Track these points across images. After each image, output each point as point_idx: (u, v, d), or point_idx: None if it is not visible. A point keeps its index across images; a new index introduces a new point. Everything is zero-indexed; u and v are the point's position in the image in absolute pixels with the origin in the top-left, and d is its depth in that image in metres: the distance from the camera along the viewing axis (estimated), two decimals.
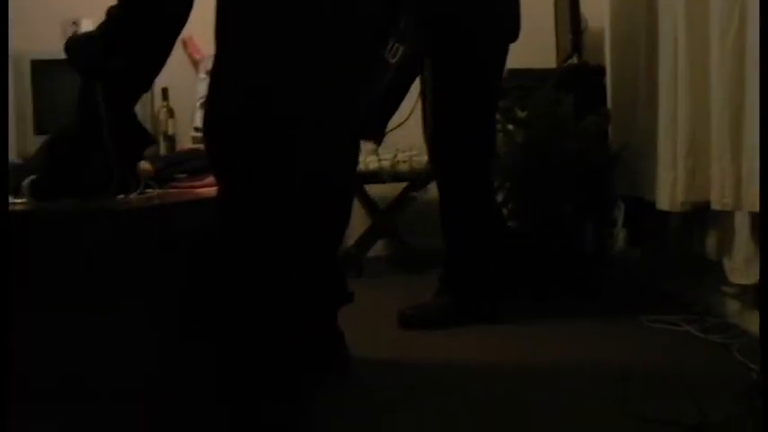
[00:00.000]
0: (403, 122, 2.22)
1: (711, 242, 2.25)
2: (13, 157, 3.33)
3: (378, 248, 3.67)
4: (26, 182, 1.80)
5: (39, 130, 3.26)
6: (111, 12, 1.72)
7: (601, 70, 3.14)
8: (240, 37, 1.52)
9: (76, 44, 1.81)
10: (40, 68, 3.27)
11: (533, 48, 3.65)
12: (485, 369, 1.96)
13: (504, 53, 2.42)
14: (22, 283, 1.73)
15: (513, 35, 2.41)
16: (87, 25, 3.38)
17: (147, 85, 1.83)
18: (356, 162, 1.90)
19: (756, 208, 1.87)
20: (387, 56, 1.82)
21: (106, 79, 1.71)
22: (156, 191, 2.02)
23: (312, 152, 1.54)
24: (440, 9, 2.23)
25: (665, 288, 2.67)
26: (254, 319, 1.51)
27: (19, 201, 1.88)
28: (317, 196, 1.55)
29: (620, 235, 3.16)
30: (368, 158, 3.31)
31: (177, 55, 1.82)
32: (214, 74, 1.57)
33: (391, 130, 2.03)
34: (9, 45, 3.31)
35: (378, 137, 1.99)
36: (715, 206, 2.03)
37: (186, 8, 1.69)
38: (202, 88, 3.41)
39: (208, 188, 2.07)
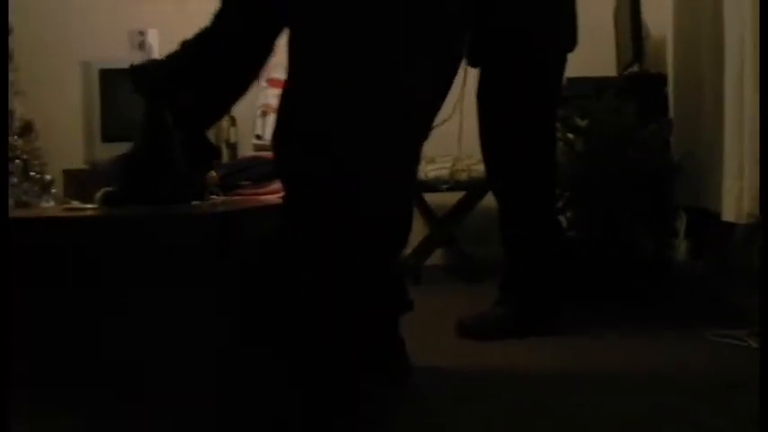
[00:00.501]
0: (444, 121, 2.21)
1: None
2: (80, 163, 3.43)
3: (436, 257, 3.68)
4: (99, 193, 1.86)
5: (105, 137, 3.35)
6: (186, 45, 1.75)
7: (662, 78, 3.11)
8: (314, 64, 1.54)
9: (143, 70, 1.85)
10: (108, 77, 3.36)
11: (593, 56, 3.63)
12: (540, 379, 1.95)
13: (562, 63, 2.40)
14: (93, 284, 1.79)
15: (571, 45, 2.39)
16: (153, 35, 3.47)
17: (218, 118, 1.87)
18: (416, 176, 1.89)
19: None
20: None
21: (176, 110, 1.75)
22: (221, 198, 2.06)
23: (376, 187, 1.55)
24: (498, 24, 2.23)
25: (729, 301, 2.61)
26: (318, 325, 1.53)
27: (90, 206, 1.94)
28: (380, 212, 1.57)
29: (682, 246, 3.12)
30: (427, 167, 3.32)
31: None
32: (287, 90, 1.60)
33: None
34: (79, 55, 3.44)
35: None
36: None
37: (266, 54, 1.72)
38: (263, 96, 3.46)
39: (271, 195, 2.11)
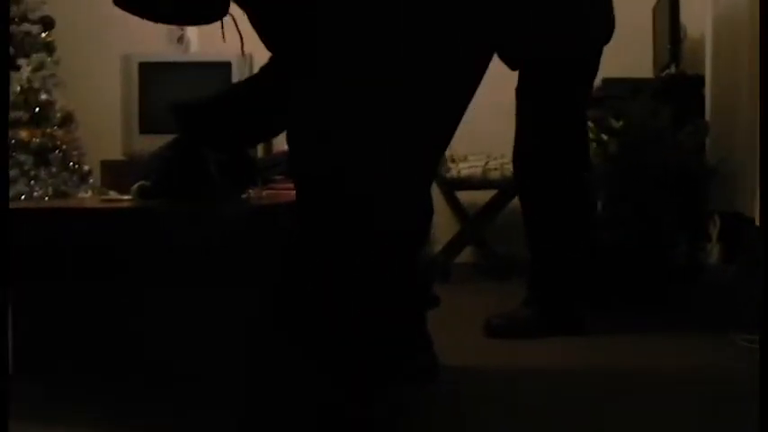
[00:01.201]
0: None
1: None
2: (118, 154, 3.49)
3: (466, 255, 3.69)
4: (135, 186, 1.90)
5: (143, 129, 3.41)
6: (237, 88, 1.79)
7: (699, 80, 3.07)
8: (330, 64, 1.56)
9: (187, 110, 1.89)
10: (147, 71, 3.42)
11: (630, 57, 3.61)
12: (567, 380, 1.95)
13: (596, 56, 2.37)
14: (124, 276, 1.83)
15: (605, 37, 2.36)
16: (192, 31, 3.51)
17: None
18: (435, 172, 1.89)
19: None
20: None
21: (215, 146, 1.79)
22: (255, 191, 2.09)
23: (391, 188, 1.56)
24: (533, 27, 2.23)
25: (760, 306, 2.59)
26: (337, 323, 1.56)
27: (126, 198, 1.99)
28: (394, 213, 1.58)
29: (715, 250, 3.09)
30: (459, 165, 3.33)
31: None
32: (300, 88, 1.62)
33: None
34: (119, 48, 3.49)
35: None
36: None
37: None
38: None
39: None
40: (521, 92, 2.38)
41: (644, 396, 1.82)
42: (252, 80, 1.82)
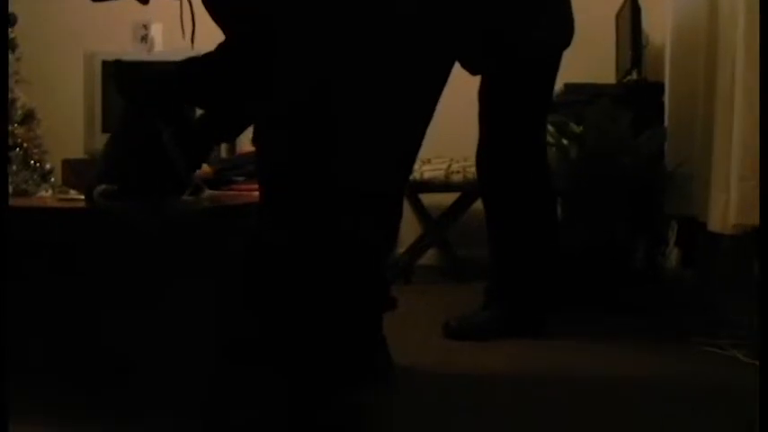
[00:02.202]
0: None
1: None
2: (81, 153, 3.46)
3: (429, 257, 3.70)
4: (99, 190, 1.89)
5: (106, 128, 3.37)
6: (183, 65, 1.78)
7: (660, 87, 3.12)
8: (299, 63, 1.57)
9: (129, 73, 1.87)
10: (111, 69, 3.38)
11: (593, 62, 3.66)
12: (523, 382, 1.97)
13: (555, 60, 2.40)
14: (82, 275, 1.83)
15: (565, 42, 2.40)
16: (157, 29, 3.49)
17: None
18: (407, 177, 1.91)
19: None
20: None
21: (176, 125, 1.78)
22: (210, 193, 2.09)
23: (357, 158, 1.57)
24: (495, 32, 2.25)
25: (717, 310, 2.64)
26: (298, 321, 1.56)
27: (81, 197, 1.98)
28: (361, 200, 1.59)
29: (674, 255, 3.14)
30: (422, 167, 3.35)
31: None
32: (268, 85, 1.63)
33: None
34: (82, 45, 3.45)
35: None
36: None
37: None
38: None
39: None
40: (483, 95, 2.41)
41: (598, 399, 1.84)
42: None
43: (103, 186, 1.86)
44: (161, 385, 1.76)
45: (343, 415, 1.60)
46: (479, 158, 2.43)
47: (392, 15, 1.55)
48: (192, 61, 1.80)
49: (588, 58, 3.66)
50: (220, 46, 1.77)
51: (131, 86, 1.84)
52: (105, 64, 3.37)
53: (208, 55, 1.78)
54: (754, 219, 2.10)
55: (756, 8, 2.03)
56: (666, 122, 2.94)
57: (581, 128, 2.93)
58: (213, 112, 1.82)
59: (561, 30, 2.38)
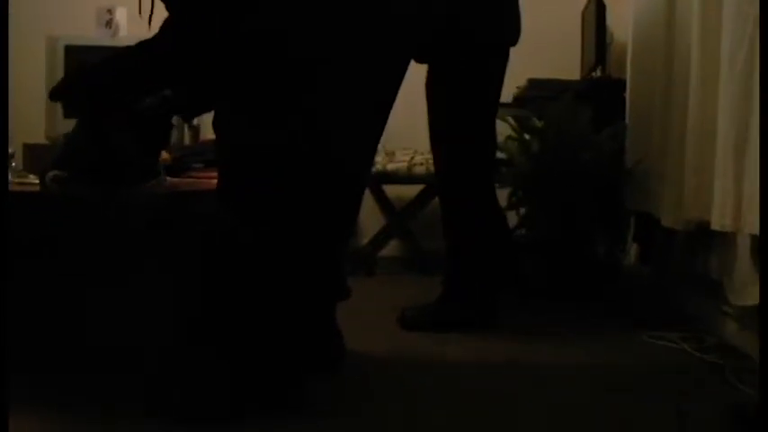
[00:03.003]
0: None
1: (714, 262, 2.26)
2: (42, 138, 3.43)
3: (393, 249, 3.72)
4: (49, 175, 1.89)
5: (67, 113, 3.33)
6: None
7: (623, 84, 3.15)
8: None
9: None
10: (73, 54, 3.35)
11: (558, 58, 3.69)
12: (476, 371, 2.00)
13: (503, 57, 2.42)
14: (36, 259, 1.82)
15: (512, 39, 2.42)
16: (122, 14, 3.46)
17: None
18: (372, 152, 1.89)
19: (756, 231, 1.89)
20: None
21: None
22: (170, 180, 2.08)
23: (318, 141, 1.59)
24: (442, 21, 2.26)
25: (671, 304, 2.68)
26: (250, 305, 1.57)
27: (36, 182, 1.97)
28: (326, 174, 1.61)
29: (633, 250, 3.18)
30: (384, 159, 3.36)
31: None
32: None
33: None
34: (45, 29, 3.41)
35: None
36: (715, 226, 2.04)
37: None
38: None
39: None
40: (429, 86, 2.42)
41: (547, 389, 1.87)
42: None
43: (55, 172, 1.85)
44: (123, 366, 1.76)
45: (287, 398, 1.61)
46: (432, 148, 2.46)
47: None
48: (137, 48, 1.79)
49: (554, 55, 3.70)
50: (162, 29, 1.76)
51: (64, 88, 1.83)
52: (68, 48, 3.33)
53: (151, 40, 1.77)
54: (704, 214, 2.14)
55: (709, 10, 2.06)
56: (627, 119, 2.97)
57: (542, 122, 2.95)
58: (163, 98, 1.82)
59: (510, 26, 2.41)
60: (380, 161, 3.33)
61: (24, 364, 1.70)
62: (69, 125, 3.09)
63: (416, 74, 2.37)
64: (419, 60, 2.39)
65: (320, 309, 1.85)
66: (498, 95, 2.44)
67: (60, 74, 3.34)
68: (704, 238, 2.30)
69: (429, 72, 2.43)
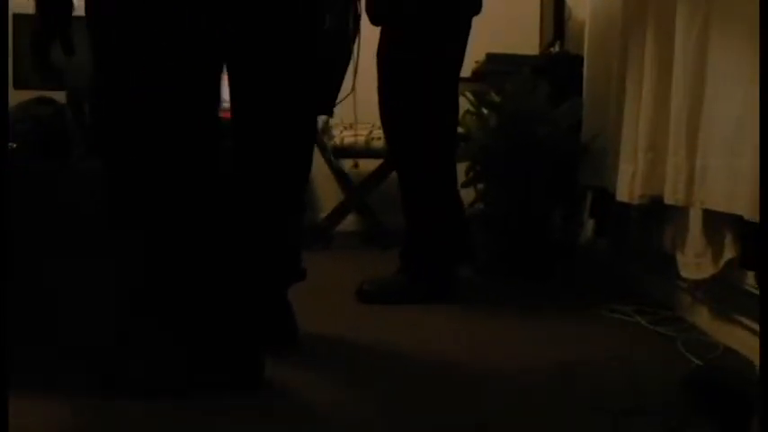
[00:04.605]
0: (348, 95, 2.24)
1: (667, 236, 2.29)
2: None
3: (351, 224, 3.71)
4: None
5: (18, 84, 3.26)
6: None
7: (581, 60, 3.16)
8: None
9: None
10: (21, 23, 3.27)
11: (517, 33, 3.70)
12: (433, 346, 2.00)
13: (465, 27, 2.40)
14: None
15: (475, 8, 2.40)
16: None
17: None
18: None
19: (705, 205, 1.91)
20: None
21: None
22: None
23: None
24: None
25: (627, 279, 2.71)
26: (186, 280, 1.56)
27: None
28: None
29: (589, 225, 3.21)
30: (343, 133, 3.34)
31: None
32: None
33: (341, 101, 2.07)
34: None
35: (328, 109, 2.00)
36: (668, 201, 2.07)
37: None
38: None
39: None
40: (381, 54, 2.39)
41: (504, 364, 1.87)
42: None
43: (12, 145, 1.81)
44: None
45: (234, 373, 1.60)
46: (383, 120, 2.42)
47: None
48: None
49: (512, 30, 3.70)
50: None
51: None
52: (16, 17, 3.25)
53: None
54: (657, 189, 2.16)
55: None
56: (584, 95, 2.99)
57: (500, 97, 2.96)
58: None
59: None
60: (338, 135, 3.31)
61: None
62: (21, 97, 3.03)
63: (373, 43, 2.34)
64: (374, 22, 2.35)
65: (273, 284, 1.84)
66: (459, 67, 2.42)
67: (8, 44, 3.25)
68: (658, 212, 2.33)
69: (382, 38, 2.39)
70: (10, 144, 1.94)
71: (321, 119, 3.34)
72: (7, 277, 1.49)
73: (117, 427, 1.44)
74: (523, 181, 2.83)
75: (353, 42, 2.02)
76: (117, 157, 1.58)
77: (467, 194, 2.71)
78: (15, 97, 3.18)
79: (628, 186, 2.29)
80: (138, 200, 1.57)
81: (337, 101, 2.00)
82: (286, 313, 1.84)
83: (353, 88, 2.22)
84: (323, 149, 3.40)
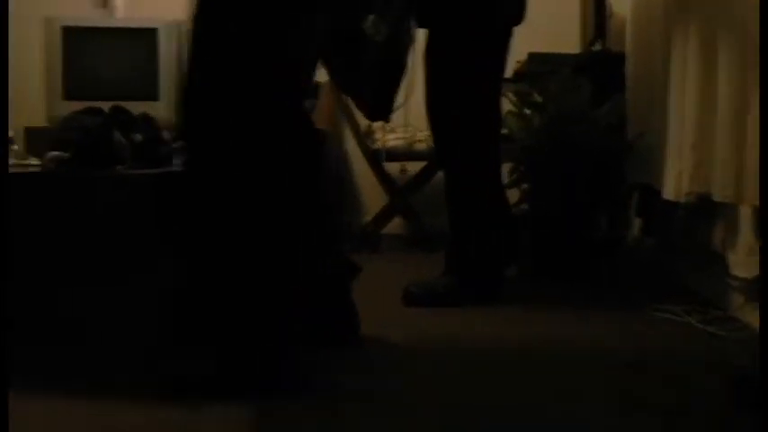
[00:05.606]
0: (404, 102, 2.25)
1: (717, 234, 2.26)
2: (42, 121, 3.42)
3: (397, 227, 3.71)
4: (50, 156, 1.90)
5: (67, 95, 3.33)
6: None
7: (623, 58, 3.13)
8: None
9: None
10: (71, 34, 3.34)
11: (558, 32, 3.67)
12: (482, 348, 2.00)
13: (505, 36, 2.41)
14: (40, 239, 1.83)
15: (516, 19, 2.41)
16: None
17: None
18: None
19: (756, 202, 1.88)
20: (369, 32, 1.84)
21: None
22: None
23: None
24: None
25: (675, 278, 2.68)
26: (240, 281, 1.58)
27: (36, 163, 1.98)
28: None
29: (635, 223, 3.18)
30: (386, 136, 3.35)
31: None
32: None
33: (399, 106, 2.09)
34: (42, 10, 3.40)
35: (385, 115, 2.02)
36: (717, 198, 2.05)
37: None
38: None
39: None
40: (428, 54, 2.40)
41: (550, 363, 1.87)
42: None
43: (55, 153, 1.86)
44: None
45: (287, 376, 1.62)
46: (430, 120, 2.44)
47: None
48: None
49: (554, 28, 3.67)
50: None
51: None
52: (65, 29, 3.32)
53: None
54: (705, 187, 2.13)
55: None
56: (627, 93, 2.96)
57: (543, 97, 2.94)
58: None
59: (512, 7, 2.40)
60: (381, 138, 3.33)
61: (19, 336, 1.70)
62: (71, 108, 3.10)
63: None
64: (420, 24, 2.36)
65: (325, 284, 1.86)
66: (501, 73, 2.43)
67: (59, 55, 3.33)
68: (706, 210, 2.30)
69: (429, 41, 2.40)
70: (61, 153, 1.99)
71: (363, 123, 3.37)
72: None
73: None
74: (568, 181, 2.81)
75: (408, 52, 2.04)
76: (208, 153, 1.61)
77: (511, 195, 2.70)
78: (65, 108, 3.27)
79: (674, 184, 2.27)
80: (225, 194, 1.60)
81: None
82: (350, 314, 1.87)
83: (406, 97, 2.24)
84: (366, 153, 3.42)
